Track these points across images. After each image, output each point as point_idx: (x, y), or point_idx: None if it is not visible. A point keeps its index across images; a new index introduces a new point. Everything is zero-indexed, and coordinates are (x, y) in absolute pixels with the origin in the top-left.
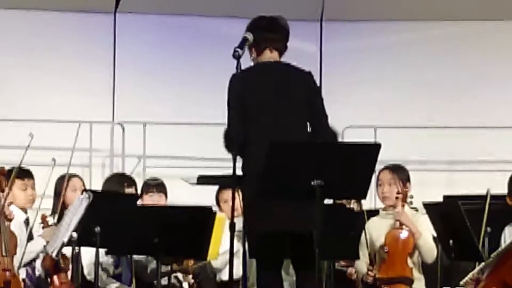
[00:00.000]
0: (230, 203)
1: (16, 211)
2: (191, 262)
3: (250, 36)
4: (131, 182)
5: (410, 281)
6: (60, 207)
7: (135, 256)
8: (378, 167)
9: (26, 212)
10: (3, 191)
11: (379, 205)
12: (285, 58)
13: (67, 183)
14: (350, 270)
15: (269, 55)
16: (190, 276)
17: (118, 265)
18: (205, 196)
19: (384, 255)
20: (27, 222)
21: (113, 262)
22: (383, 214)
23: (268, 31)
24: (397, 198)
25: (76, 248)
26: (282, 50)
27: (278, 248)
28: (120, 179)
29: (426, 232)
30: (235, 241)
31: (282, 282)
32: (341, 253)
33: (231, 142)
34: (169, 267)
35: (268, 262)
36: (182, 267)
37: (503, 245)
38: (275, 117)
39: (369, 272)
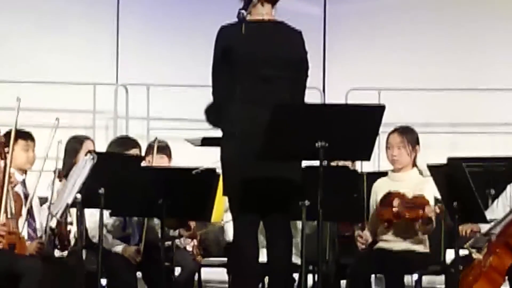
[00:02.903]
0: None
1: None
2: (194, 225)
3: None
4: (135, 144)
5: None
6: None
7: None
8: (382, 129)
9: (22, 174)
10: (5, 157)
11: (382, 167)
12: (289, 21)
13: (81, 146)
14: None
15: (261, 10)
16: (191, 241)
17: (125, 227)
18: (209, 158)
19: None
20: (23, 183)
21: (120, 224)
22: (392, 175)
23: None
24: None
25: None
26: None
27: (256, 207)
28: (124, 142)
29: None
30: None
31: (258, 245)
32: (345, 216)
33: (215, 112)
34: (176, 232)
35: (245, 222)
36: (190, 233)
37: (500, 200)
38: (263, 77)
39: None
